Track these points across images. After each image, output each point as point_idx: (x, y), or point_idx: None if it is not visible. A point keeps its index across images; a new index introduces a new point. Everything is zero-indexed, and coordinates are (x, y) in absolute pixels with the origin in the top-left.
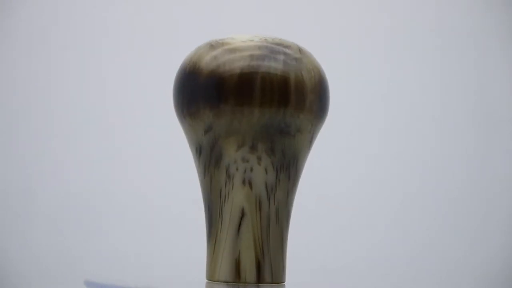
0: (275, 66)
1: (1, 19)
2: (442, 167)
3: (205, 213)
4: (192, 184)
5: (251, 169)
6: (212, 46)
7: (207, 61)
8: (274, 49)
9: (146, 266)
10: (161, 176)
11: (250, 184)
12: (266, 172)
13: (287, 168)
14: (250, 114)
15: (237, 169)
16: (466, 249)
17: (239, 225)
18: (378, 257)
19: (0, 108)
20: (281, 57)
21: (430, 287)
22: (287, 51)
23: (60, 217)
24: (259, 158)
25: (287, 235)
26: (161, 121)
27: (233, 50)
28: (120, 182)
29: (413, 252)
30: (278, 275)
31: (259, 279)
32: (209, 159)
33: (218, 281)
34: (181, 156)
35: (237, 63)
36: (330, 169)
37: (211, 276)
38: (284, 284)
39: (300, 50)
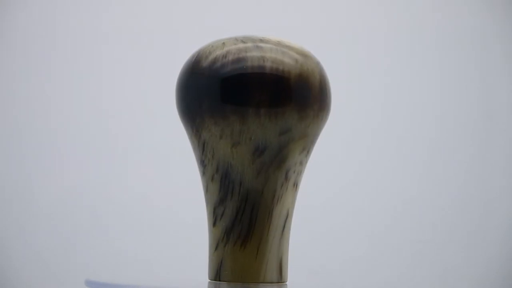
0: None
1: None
2: (442, 167)
3: (240, 215)
4: (193, 185)
5: (300, 172)
6: (273, 44)
7: (291, 63)
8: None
9: (148, 266)
10: (162, 176)
11: (296, 186)
12: (303, 175)
13: None
14: (321, 119)
15: (294, 172)
16: (466, 249)
17: (284, 226)
18: (377, 257)
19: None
20: None
21: (429, 287)
22: None
23: (61, 217)
24: (306, 162)
25: None
26: (162, 121)
27: (303, 53)
28: (121, 181)
29: (413, 252)
30: None
31: (287, 277)
32: (272, 160)
33: (264, 283)
34: (183, 156)
35: (315, 68)
36: (327, 169)
37: (255, 278)
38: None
39: None
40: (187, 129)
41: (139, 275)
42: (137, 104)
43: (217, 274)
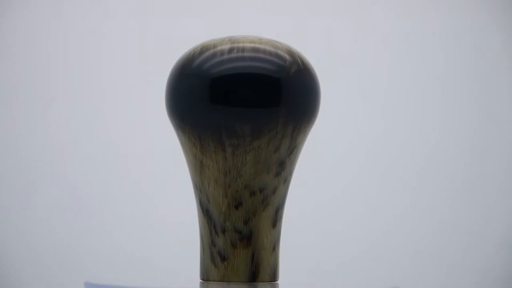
0: None
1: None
2: (443, 168)
3: (280, 215)
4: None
5: None
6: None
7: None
8: None
9: (147, 267)
10: (162, 177)
11: None
12: None
13: None
14: None
15: None
16: (466, 250)
17: None
18: (376, 257)
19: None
20: None
21: (428, 286)
22: None
23: (60, 218)
24: None
25: None
26: (162, 121)
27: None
28: (121, 182)
29: (412, 252)
30: None
31: None
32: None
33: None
34: (182, 157)
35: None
36: (325, 168)
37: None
38: None
39: None
40: (274, 135)
41: (138, 276)
42: (137, 105)
43: (275, 275)
